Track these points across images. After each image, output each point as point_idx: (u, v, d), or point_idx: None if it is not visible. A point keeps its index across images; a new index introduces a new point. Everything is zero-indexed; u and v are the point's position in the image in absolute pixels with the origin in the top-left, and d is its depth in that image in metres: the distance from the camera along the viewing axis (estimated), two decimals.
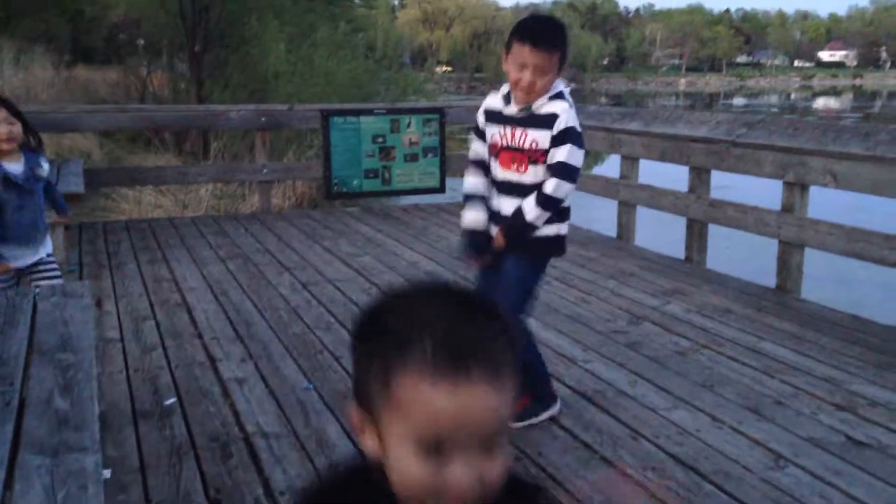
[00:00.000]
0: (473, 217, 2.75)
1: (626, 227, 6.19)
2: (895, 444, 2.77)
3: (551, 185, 2.61)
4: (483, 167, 2.77)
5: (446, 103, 8.93)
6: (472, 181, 2.77)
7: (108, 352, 3.61)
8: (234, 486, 2.47)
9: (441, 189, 7.72)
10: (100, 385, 3.19)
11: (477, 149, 2.78)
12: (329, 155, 7.25)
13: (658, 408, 3.07)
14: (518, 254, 2.71)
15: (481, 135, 2.77)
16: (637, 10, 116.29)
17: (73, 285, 3.01)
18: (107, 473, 2.50)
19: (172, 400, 3.10)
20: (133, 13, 18.89)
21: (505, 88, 2.67)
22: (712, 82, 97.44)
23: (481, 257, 2.76)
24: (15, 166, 3.26)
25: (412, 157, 7.51)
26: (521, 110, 2.62)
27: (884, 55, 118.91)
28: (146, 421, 2.91)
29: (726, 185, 6.93)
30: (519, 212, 2.65)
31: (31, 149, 3.35)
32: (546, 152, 2.60)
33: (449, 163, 7.74)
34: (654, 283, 4.88)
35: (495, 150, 2.69)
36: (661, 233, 7.15)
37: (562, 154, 2.59)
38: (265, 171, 7.28)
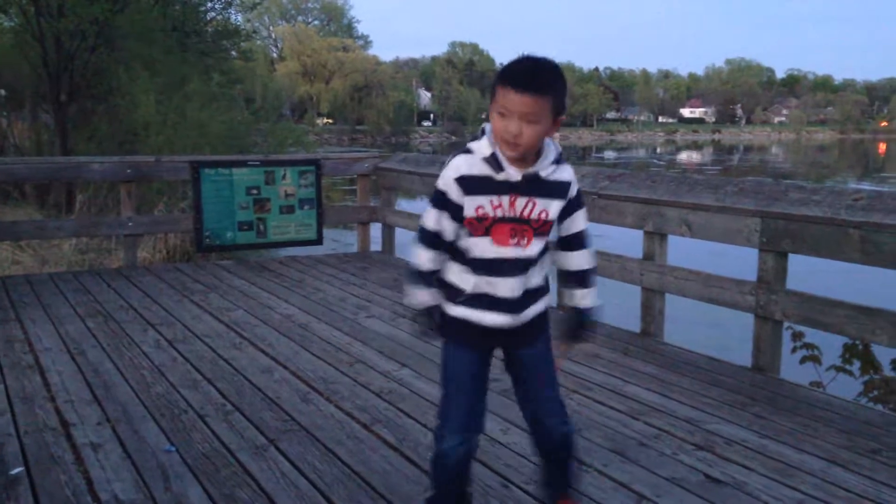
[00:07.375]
0: (430, 295, 2.32)
1: None
2: (750, 481, 2.89)
3: (591, 258, 2.37)
4: (441, 242, 2.25)
5: (323, 155, 8.89)
6: (433, 257, 2.27)
7: None
8: None
9: (318, 241, 7.65)
10: None
11: (441, 222, 2.22)
12: (200, 207, 7.07)
13: (529, 454, 3.09)
14: (546, 337, 2.42)
15: (450, 207, 2.20)
16: None
17: None
18: None
19: (19, 469, 2.88)
20: None
21: (484, 149, 2.19)
22: (584, 136, 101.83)
23: (437, 331, 2.43)
24: None
25: (288, 209, 7.43)
26: (525, 175, 2.18)
27: (739, 112, 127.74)
28: None
29: (601, 234, 7.19)
30: (588, 310, 2.37)
31: None
32: (552, 224, 2.27)
33: (327, 214, 7.71)
34: None
35: (486, 223, 2.20)
36: None
37: (584, 221, 2.33)
38: (130, 224, 7.02)
